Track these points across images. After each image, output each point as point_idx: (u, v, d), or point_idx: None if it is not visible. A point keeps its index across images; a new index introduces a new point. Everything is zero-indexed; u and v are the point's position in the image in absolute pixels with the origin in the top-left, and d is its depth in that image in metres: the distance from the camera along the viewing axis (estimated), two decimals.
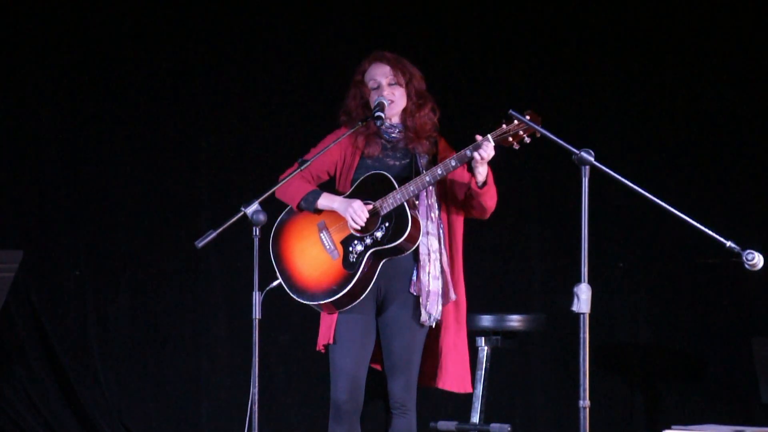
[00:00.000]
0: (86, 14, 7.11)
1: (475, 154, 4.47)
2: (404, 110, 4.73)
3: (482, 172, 4.55)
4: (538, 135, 4.39)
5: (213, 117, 7.25)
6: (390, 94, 4.69)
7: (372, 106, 4.68)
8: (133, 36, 7.16)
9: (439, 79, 4.84)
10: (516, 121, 4.42)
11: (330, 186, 4.79)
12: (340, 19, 7.25)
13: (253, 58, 7.24)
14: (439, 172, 4.55)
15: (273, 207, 4.69)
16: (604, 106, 7.20)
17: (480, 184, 4.58)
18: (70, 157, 7.12)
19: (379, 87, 4.70)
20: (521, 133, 4.44)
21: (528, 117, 4.34)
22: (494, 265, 7.26)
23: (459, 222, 4.74)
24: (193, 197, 7.22)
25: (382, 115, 4.65)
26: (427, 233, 4.61)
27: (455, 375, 4.70)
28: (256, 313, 4.33)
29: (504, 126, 4.47)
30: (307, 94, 7.21)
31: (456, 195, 4.70)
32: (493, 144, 4.47)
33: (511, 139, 4.46)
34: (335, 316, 4.67)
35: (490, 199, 4.63)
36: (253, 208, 4.33)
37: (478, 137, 4.50)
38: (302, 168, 4.60)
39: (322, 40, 7.22)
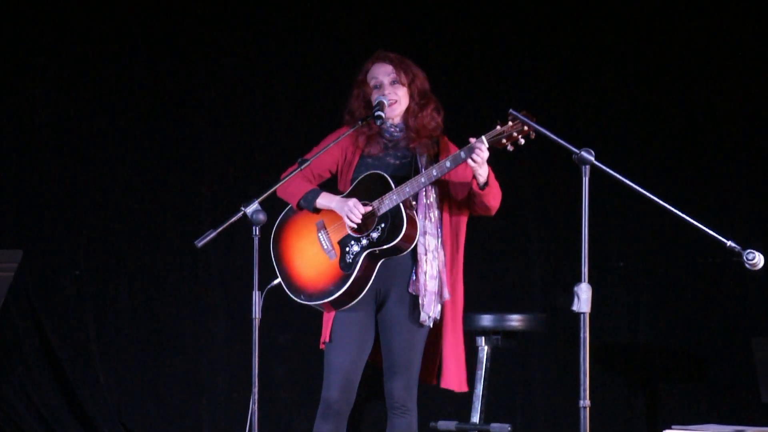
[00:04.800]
0: (86, 14, 7.11)
1: (468, 159, 4.44)
2: (407, 110, 4.71)
3: (482, 173, 4.51)
4: (533, 137, 4.37)
5: (213, 117, 7.25)
6: (392, 93, 4.67)
7: (373, 106, 4.68)
8: (133, 35, 7.16)
9: (439, 79, 4.83)
10: (510, 123, 4.39)
11: (332, 184, 4.79)
12: (340, 19, 7.25)
13: (254, 57, 7.25)
14: (434, 173, 4.53)
15: (273, 207, 4.69)
16: (604, 106, 7.20)
17: (481, 185, 4.55)
18: (70, 157, 7.13)
19: (381, 86, 4.69)
20: (515, 134, 4.38)
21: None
22: (494, 264, 7.26)
23: (462, 221, 4.71)
24: (193, 197, 7.22)
25: (382, 115, 4.64)
26: (425, 233, 4.59)
27: (455, 374, 4.68)
28: (256, 313, 4.34)
29: (498, 127, 4.42)
30: (308, 94, 7.21)
31: (458, 194, 4.68)
32: (486, 145, 4.43)
33: (504, 140, 4.40)
34: (333, 314, 4.67)
35: (493, 199, 4.60)
36: (252, 208, 4.33)
37: (472, 139, 4.48)
38: (302, 167, 4.60)
39: (323, 40, 7.23)
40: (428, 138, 4.69)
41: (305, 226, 4.73)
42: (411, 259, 4.62)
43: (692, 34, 7.06)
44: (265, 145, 7.17)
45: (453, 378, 4.68)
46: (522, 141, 4.40)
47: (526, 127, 4.36)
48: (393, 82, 4.69)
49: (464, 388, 4.73)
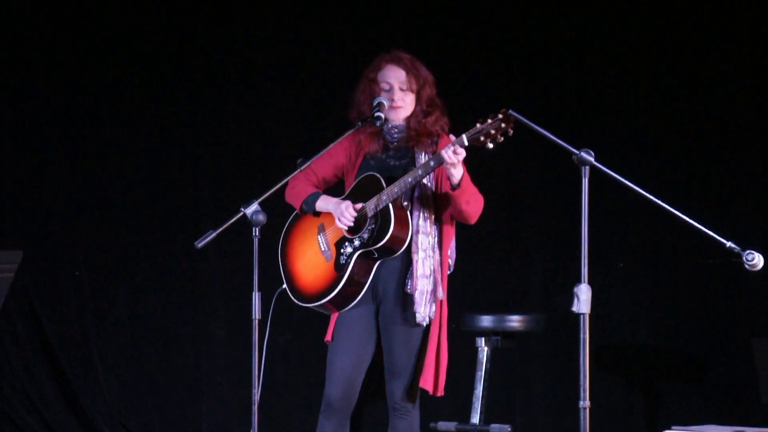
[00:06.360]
0: (87, 14, 7.11)
1: (443, 155, 4.39)
2: (411, 113, 4.69)
3: (455, 174, 4.44)
4: (511, 134, 4.32)
5: (213, 117, 7.25)
6: (400, 99, 4.65)
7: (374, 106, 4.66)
8: (133, 35, 7.16)
9: (438, 79, 4.82)
10: (489, 120, 4.34)
11: (340, 188, 4.78)
12: (340, 20, 7.25)
13: (253, 58, 7.25)
14: (420, 173, 4.50)
15: (273, 208, 4.69)
16: (604, 106, 7.20)
17: (453, 186, 4.49)
18: (70, 157, 7.13)
19: (390, 90, 4.65)
20: (493, 132, 4.32)
21: (500, 116, 4.29)
22: (494, 265, 7.26)
23: (449, 222, 4.69)
24: (193, 197, 7.22)
25: (381, 116, 4.63)
26: (418, 231, 4.58)
27: (433, 375, 4.64)
28: (256, 314, 4.34)
29: (478, 125, 4.36)
30: (308, 95, 7.21)
31: (444, 195, 4.65)
32: (466, 144, 4.37)
33: (483, 138, 4.33)
34: (336, 314, 4.68)
35: (466, 204, 4.53)
36: (252, 209, 4.33)
37: (452, 137, 4.46)
38: (302, 168, 4.60)
39: (323, 41, 7.22)
40: (427, 137, 4.67)
41: (308, 229, 4.75)
42: (406, 258, 4.61)
43: (692, 34, 7.06)
44: (265, 145, 7.17)
45: (430, 379, 4.63)
46: (501, 139, 4.33)
47: (503, 125, 4.32)
48: (403, 89, 4.66)
49: (439, 393, 4.66)
